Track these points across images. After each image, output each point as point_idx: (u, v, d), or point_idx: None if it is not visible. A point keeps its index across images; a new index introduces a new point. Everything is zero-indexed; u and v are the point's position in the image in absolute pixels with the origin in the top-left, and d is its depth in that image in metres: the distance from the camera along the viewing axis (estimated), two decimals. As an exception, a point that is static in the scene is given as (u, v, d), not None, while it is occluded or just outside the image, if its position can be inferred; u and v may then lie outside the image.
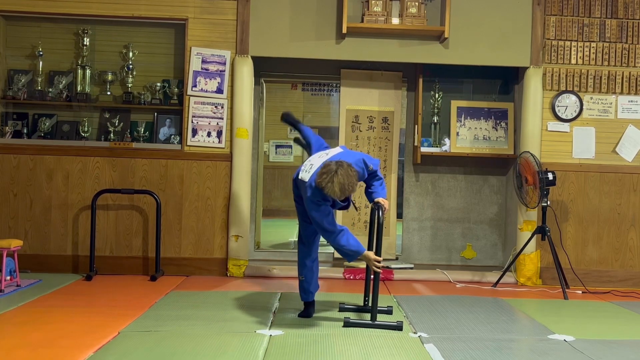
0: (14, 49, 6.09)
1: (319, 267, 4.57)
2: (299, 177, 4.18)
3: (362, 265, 5.67)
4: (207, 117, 5.90)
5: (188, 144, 5.89)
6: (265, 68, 6.31)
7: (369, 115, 6.36)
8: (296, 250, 4.49)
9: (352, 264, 6.09)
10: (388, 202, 4.39)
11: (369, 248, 4.49)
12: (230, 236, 5.88)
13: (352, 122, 6.33)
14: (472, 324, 4.35)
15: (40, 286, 5.15)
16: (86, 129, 6.04)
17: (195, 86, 5.89)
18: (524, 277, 5.93)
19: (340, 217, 6.21)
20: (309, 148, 4.66)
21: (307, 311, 4.46)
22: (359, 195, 5.49)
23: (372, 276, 4.34)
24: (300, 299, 4.52)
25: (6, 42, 6.08)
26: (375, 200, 4.31)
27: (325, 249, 6.37)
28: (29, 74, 6.08)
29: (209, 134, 5.90)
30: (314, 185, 3.98)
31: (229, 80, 5.91)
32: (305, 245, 4.39)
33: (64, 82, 6.09)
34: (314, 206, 4.01)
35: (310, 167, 4.12)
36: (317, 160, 4.17)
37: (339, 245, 4.07)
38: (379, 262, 4.16)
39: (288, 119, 4.90)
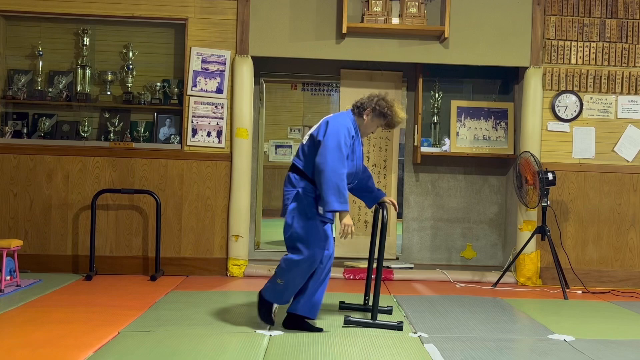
0: (14, 49, 6.09)
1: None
2: (305, 137, 4.08)
3: (363, 265, 5.68)
4: (207, 117, 5.89)
5: (188, 144, 5.89)
6: (265, 68, 6.31)
7: (369, 115, 6.34)
8: None
9: (352, 263, 6.09)
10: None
11: (371, 248, 4.48)
12: (230, 236, 5.88)
13: (352, 122, 6.32)
14: (472, 324, 4.35)
15: (40, 286, 5.15)
16: (86, 129, 6.03)
17: (195, 86, 5.89)
18: (524, 277, 5.93)
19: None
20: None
21: (266, 311, 4.07)
22: (354, 199, 5.47)
23: (373, 276, 4.31)
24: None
25: (6, 42, 6.08)
26: (382, 199, 4.27)
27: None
28: (29, 73, 6.08)
29: (208, 134, 5.90)
30: (346, 114, 4.06)
31: (229, 80, 5.91)
32: (303, 254, 3.86)
33: (64, 82, 6.09)
34: (340, 129, 3.85)
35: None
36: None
37: (334, 179, 3.74)
38: (351, 231, 3.88)
39: None
